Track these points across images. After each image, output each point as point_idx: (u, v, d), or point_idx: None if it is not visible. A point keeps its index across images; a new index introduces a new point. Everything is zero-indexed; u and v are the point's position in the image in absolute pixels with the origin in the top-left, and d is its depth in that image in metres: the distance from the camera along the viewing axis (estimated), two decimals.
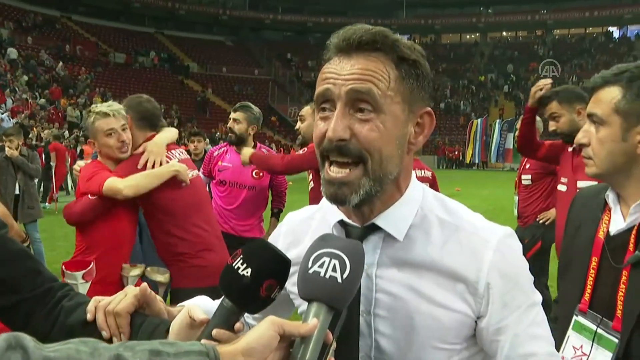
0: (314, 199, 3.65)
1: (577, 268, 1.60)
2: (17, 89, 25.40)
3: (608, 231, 1.57)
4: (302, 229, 1.24)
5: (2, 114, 19.88)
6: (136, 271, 3.20)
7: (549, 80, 3.42)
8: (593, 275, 1.56)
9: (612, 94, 1.51)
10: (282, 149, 35.22)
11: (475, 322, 1.07)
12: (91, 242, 3.09)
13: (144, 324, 1.14)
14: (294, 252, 1.18)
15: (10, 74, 27.01)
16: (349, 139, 1.00)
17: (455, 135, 41.11)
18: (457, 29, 56.14)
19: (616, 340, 1.45)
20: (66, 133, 21.61)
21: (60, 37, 37.99)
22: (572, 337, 1.58)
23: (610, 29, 52.74)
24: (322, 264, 0.92)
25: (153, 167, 3.14)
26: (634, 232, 1.49)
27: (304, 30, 56.06)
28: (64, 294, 1.28)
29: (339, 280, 0.90)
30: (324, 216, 1.19)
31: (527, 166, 4.86)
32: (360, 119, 1.00)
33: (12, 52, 29.48)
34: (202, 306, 1.17)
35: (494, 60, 51.65)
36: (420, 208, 1.10)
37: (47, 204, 14.07)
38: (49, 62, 32.41)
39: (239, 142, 4.42)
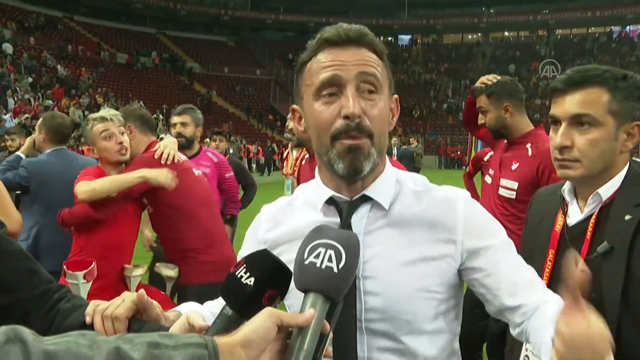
0: None
1: (537, 262, 1.63)
2: (18, 89, 25.43)
3: (565, 224, 1.63)
4: (282, 214, 1.31)
5: (5, 114, 19.89)
6: (139, 271, 3.20)
7: (493, 77, 3.34)
8: (549, 268, 1.63)
9: (600, 95, 1.52)
10: (283, 148, 35.18)
11: (459, 271, 1.18)
12: (86, 245, 3.09)
13: (141, 329, 1.14)
14: (276, 233, 1.28)
15: (13, 74, 27.06)
16: (364, 116, 1.11)
17: (457, 136, 41.06)
18: (458, 29, 56.07)
19: None
20: None
21: (63, 38, 38.04)
22: None
23: (613, 28, 52.64)
24: (318, 254, 0.94)
25: (167, 158, 3.19)
26: (591, 221, 1.56)
27: (305, 30, 55.98)
28: (61, 296, 1.27)
29: (335, 270, 0.92)
30: (307, 199, 1.27)
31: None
32: (368, 99, 1.12)
33: (8, 48, 29.46)
34: (197, 311, 1.22)
35: (495, 61, 51.58)
36: (397, 181, 1.23)
37: None
38: (51, 63, 32.45)
39: (189, 145, 4.30)
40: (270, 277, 0.97)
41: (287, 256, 1.06)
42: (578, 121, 1.54)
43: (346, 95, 1.10)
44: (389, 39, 58.34)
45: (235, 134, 31.43)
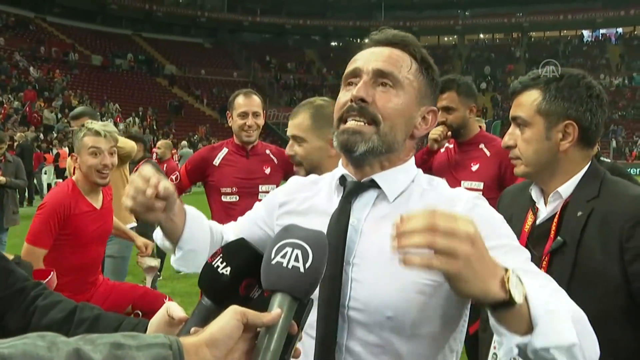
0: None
1: None
2: None
3: (534, 223, 1.70)
4: (307, 187, 1.38)
5: None
6: (153, 262, 3.25)
7: (441, 129, 3.22)
8: None
9: (532, 97, 1.64)
10: None
11: None
12: (54, 265, 2.98)
13: (122, 324, 1.13)
14: (294, 202, 1.35)
15: None
16: (370, 103, 1.18)
17: None
18: (435, 31, 56.58)
19: None
20: (41, 136, 21.25)
21: (35, 39, 37.33)
22: None
23: (584, 32, 53.73)
24: (285, 254, 0.93)
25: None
26: (555, 219, 1.62)
27: (283, 32, 55.96)
28: (37, 293, 1.26)
29: (302, 270, 0.92)
30: (330, 180, 1.34)
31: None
32: (381, 91, 1.20)
33: None
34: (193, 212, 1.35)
35: (471, 62, 52.18)
36: (412, 181, 1.25)
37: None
38: (23, 64, 31.81)
39: None
40: (246, 266, 0.97)
41: None
42: (517, 122, 1.68)
43: (359, 82, 1.20)
44: (366, 41, 58.56)
45: (211, 137, 31.21)
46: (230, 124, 3.64)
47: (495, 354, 1.75)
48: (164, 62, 45.65)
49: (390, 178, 1.22)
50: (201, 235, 1.37)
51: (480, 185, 3.11)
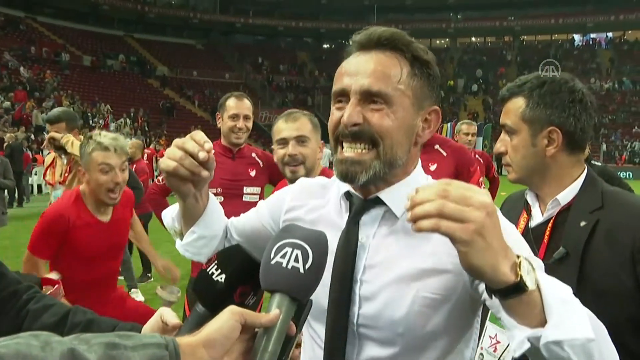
0: None
1: None
2: None
3: (526, 227, 1.71)
4: (316, 192, 1.33)
5: None
6: (173, 297, 2.83)
7: None
8: None
9: (517, 104, 1.65)
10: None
11: (474, 286, 1.09)
12: (54, 266, 2.90)
13: (115, 329, 1.13)
14: (301, 209, 1.31)
15: None
16: (362, 123, 1.12)
17: None
18: (427, 34, 56.74)
19: None
20: (32, 137, 21.10)
21: (25, 39, 37.07)
22: (489, 328, 1.76)
23: (575, 36, 54.14)
24: (285, 254, 0.92)
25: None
26: (549, 225, 1.64)
27: (275, 34, 55.94)
28: (29, 297, 1.24)
29: (301, 270, 0.91)
30: (338, 189, 1.29)
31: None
32: (373, 109, 1.12)
33: None
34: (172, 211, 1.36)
35: (463, 65, 52.42)
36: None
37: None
38: (13, 64, 31.58)
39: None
40: (241, 274, 0.96)
41: None
42: (505, 130, 1.70)
43: (349, 104, 1.14)
44: (351, 42, 58.64)
45: None
46: (219, 125, 3.64)
47: (481, 354, 1.76)
48: (156, 63, 45.48)
49: (395, 194, 1.17)
50: (217, 224, 1.35)
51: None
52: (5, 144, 16.44)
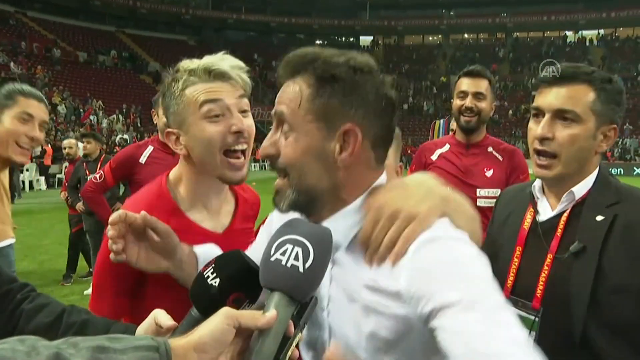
0: None
1: (502, 259, 1.66)
2: None
3: (534, 221, 1.65)
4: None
5: None
6: None
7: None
8: (516, 264, 1.64)
9: (585, 93, 1.55)
10: None
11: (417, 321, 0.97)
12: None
13: (110, 329, 1.12)
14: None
15: None
16: (275, 154, 1.07)
17: (418, 136, 41.59)
18: (419, 31, 56.83)
19: (532, 317, 1.54)
20: None
21: (15, 34, 36.75)
22: None
23: (567, 33, 54.37)
24: (285, 251, 0.89)
25: None
26: (563, 218, 1.58)
27: (268, 30, 55.79)
28: (24, 296, 1.22)
29: (301, 269, 0.87)
30: None
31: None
32: (282, 136, 1.07)
33: None
34: (208, 252, 1.29)
35: (456, 62, 52.46)
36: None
37: None
38: (3, 60, 31.33)
39: None
40: (236, 279, 0.93)
41: None
42: (562, 116, 1.56)
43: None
44: (351, 39, 58.63)
45: None
46: (155, 122, 3.65)
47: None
48: (148, 59, 45.27)
49: (333, 225, 1.04)
50: None
51: (497, 192, 2.83)
52: None
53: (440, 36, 57.78)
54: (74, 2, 45.03)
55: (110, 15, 47.94)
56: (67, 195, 6.92)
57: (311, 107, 1.04)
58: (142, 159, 3.59)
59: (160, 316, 1.03)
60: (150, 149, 3.63)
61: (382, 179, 1.11)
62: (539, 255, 1.58)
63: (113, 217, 1.21)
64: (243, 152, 1.43)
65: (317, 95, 1.04)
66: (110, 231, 1.22)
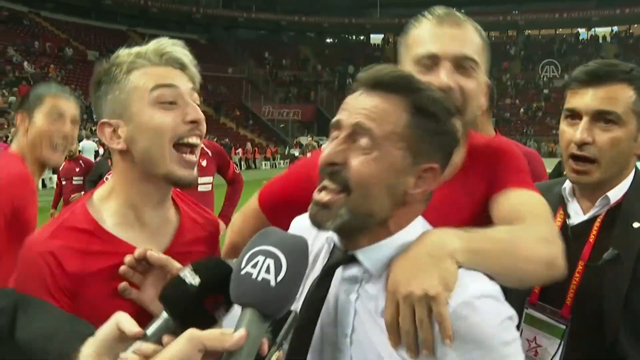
0: None
1: None
2: None
3: (564, 224, 1.56)
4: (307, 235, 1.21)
5: None
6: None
7: None
8: None
9: (627, 93, 1.45)
10: (256, 148, 34.98)
11: None
12: None
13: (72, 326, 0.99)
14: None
15: None
16: (341, 164, 1.00)
17: None
18: None
19: (563, 327, 1.47)
20: None
21: (29, 34, 37.10)
22: (525, 331, 1.56)
23: (580, 30, 53.88)
24: (256, 264, 0.82)
25: None
26: (596, 224, 1.50)
27: (278, 28, 55.83)
28: None
29: (272, 283, 0.80)
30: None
31: None
32: (357, 151, 1.00)
33: None
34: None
35: None
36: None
37: None
38: (17, 59, 31.64)
39: None
40: (217, 281, 0.86)
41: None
42: (602, 118, 1.45)
43: (336, 140, 1.04)
44: (361, 38, 58.53)
45: (207, 133, 31.01)
46: None
47: None
48: None
49: (372, 255, 1.02)
50: None
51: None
52: (9, 138, 16.50)
53: None
54: (86, 2, 45.36)
55: (122, 15, 48.24)
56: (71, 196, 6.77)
57: (405, 135, 1.00)
58: None
59: (124, 322, 0.88)
60: None
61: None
62: (570, 261, 1.46)
63: (139, 252, 1.13)
64: (196, 148, 1.23)
65: (414, 126, 1.01)
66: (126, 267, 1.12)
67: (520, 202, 1.28)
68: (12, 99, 24.97)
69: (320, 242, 1.17)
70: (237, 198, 4.23)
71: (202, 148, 3.80)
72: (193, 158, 1.20)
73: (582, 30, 53.83)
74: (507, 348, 0.95)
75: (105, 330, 0.89)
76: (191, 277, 0.86)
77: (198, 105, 1.29)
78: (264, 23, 54.78)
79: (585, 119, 1.46)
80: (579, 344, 1.45)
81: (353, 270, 1.05)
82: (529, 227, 1.19)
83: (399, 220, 1.04)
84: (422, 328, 0.93)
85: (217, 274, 0.87)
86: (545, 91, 45.80)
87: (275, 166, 32.02)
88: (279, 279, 0.80)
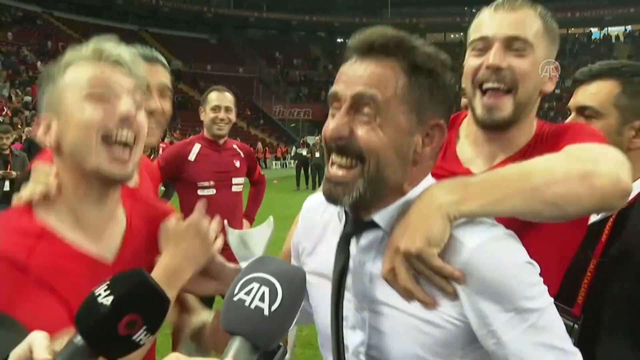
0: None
1: None
2: None
3: None
4: (315, 220, 1.24)
5: None
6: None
7: None
8: None
9: (608, 88, 1.51)
10: (267, 147, 35.05)
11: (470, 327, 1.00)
12: None
13: None
14: (311, 257, 1.22)
15: None
16: (348, 136, 1.01)
17: None
18: (441, 28, 56.37)
19: (575, 325, 1.48)
20: None
21: (42, 34, 37.44)
22: None
23: (592, 30, 53.41)
24: (250, 290, 0.77)
25: None
26: (609, 223, 1.51)
27: (289, 28, 55.89)
28: None
29: (266, 312, 0.75)
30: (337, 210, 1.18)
31: None
32: (362, 121, 1.00)
33: None
34: None
35: None
36: None
37: None
38: (31, 59, 31.93)
39: None
40: (135, 299, 0.75)
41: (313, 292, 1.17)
42: (583, 113, 1.54)
43: (338, 113, 1.04)
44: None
45: None
46: (202, 118, 3.79)
47: None
48: (169, 57, 45.69)
49: (387, 215, 1.05)
50: None
51: None
52: (23, 138, 16.65)
53: (462, 34, 57.18)
54: (98, 2, 45.69)
55: (133, 14, 48.53)
56: None
57: (407, 97, 1.01)
58: (192, 157, 3.69)
59: (36, 345, 0.73)
60: (197, 146, 3.73)
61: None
62: (581, 259, 1.48)
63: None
64: (128, 146, 1.17)
65: (413, 86, 1.01)
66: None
67: (579, 147, 1.19)
68: (27, 98, 25.22)
69: (329, 213, 1.20)
70: (261, 198, 4.33)
71: (235, 149, 3.86)
72: (123, 155, 1.15)
73: (594, 30, 53.34)
74: (530, 289, 0.97)
75: (18, 351, 0.77)
76: (104, 295, 0.74)
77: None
78: (275, 23, 54.87)
79: (572, 115, 1.59)
80: (591, 341, 1.45)
81: (370, 237, 1.07)
82: (561, 153, 1.15)
83: (412, 180, 1.06)
84: (428, 278, 0.98)
85: (134, 291, 0.76)
86: (557, 91, 45.44)
87: (286, 166, 32.06)
88: (273, 308, 0.76)
